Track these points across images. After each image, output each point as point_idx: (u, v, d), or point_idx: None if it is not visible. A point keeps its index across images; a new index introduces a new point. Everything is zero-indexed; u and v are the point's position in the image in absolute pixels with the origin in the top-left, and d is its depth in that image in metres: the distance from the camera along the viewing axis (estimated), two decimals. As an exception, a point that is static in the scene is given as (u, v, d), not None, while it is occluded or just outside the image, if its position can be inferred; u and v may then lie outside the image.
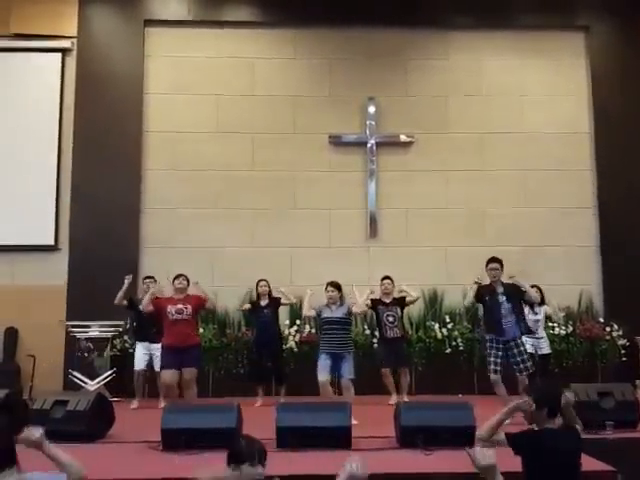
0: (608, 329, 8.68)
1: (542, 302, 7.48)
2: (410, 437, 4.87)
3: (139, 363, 7.59)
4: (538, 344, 7.27)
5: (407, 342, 8.39)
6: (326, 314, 6.62)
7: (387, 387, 7.55)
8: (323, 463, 4.37)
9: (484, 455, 2.70)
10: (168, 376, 6.37)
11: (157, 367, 7.18)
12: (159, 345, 6.83)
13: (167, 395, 6.62)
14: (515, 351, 6.23)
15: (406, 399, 7.27)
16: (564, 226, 9.21)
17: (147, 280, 7.77)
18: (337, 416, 5.01)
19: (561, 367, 8.39)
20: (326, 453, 4.64)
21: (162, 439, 4.93)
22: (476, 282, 6.50)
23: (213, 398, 7.95)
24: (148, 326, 7.38)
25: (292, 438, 4.85)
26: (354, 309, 6.75)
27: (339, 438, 4.87)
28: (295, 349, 8.36)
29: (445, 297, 8.92)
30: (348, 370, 6.48)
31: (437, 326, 8.63)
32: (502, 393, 6.23)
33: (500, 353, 6.26)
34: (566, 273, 9.02)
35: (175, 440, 4.87)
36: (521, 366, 6.18)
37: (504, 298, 6.34)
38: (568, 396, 3.59)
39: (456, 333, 8.56)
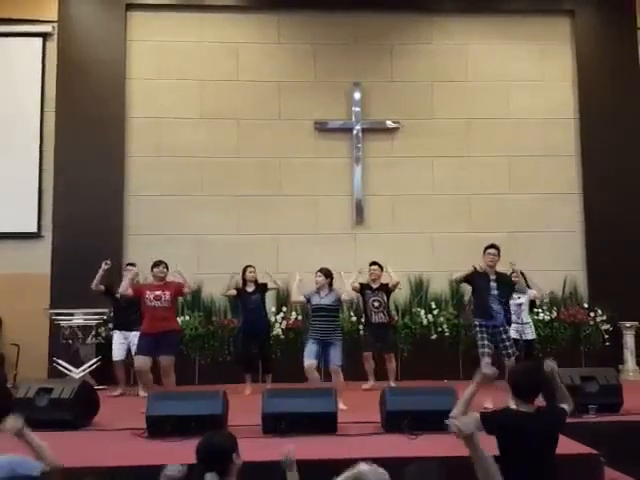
0: (592, 314, 8.75)
1: (528, 286, 7.47)
2: (395, 422, 4.89)
3: (117, 353, 7.50)
4: (522, 330, 7.28)
5: (393, 328, 8.42)
6: (315, 301, 6.62)
7: (366, 371, 7.58)
8: (309, 449, 4.39)
9: (465, 424, 2.77)
10: (141, 362, 6.33)
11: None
12: (137, 333, 6.79)
13: (142, 381, 6.49)
14: (504, 336, 6.33)
15: (393, 384, 7.28)
16: (549, 212, 9.25)
17: (129, 267, 7.62)
18: (323, 402, 5.01)
19: (545, 352, 8.45)
20: (312, 439, 4.66)
21: (147, 426, 4.91)
22: (474, 267, 6.54)
23: (199, 386, 7.94)
24: (125, 314, 7.33)
25: (278, 424, 4.85)
26: (343, 297, 6.74)
27: (325, 423, 4.89)
28: (282, 336, 8.36)
29: (431, 283, 8.94)
30: (336, 357, 6.44)
31: (423, 312, 8.65)
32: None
33: (489, 337, 6.34)
34: (551, 258, 9.07)
35: (160, 427, 4.85)
36: (509, 351, 6.30)
37: (495, 285, 6.42)
38: (550, 364, 3.49)
39: (442, 319, 8.59)
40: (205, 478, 2.59)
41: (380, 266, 7.73)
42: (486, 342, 6.34)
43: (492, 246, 6.58)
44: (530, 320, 7.55)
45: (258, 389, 6.96)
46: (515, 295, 7.25)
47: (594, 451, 4.23)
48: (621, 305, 8.50)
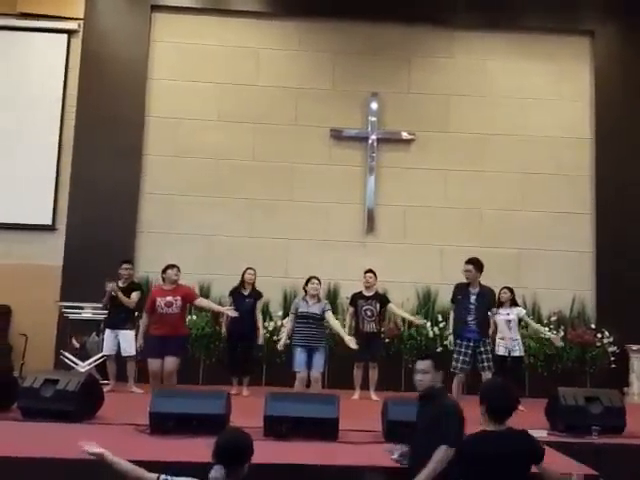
0: (599, 335, 8.71)
1: (514, 303, 7.51)
2: (396, 431, 4.89)
3: (108, 348, 7.56)
4: (512, 346, 7.23)
5: (398, 338, 8.44)
6: (303, 308, 6.85)
7: (354, 381, 7.55)
8: (309, 453, 4.41)
9: None
10: (155, 364, 6.43)
11: (124, 353, 7.42)
12: (125, 332, 7.25)
13: (154, 383, 6.56)
14: (482, 349, 6.59)
15: (374, 396, 7.31)
16: (560, 230, 9.23)
17: (124, 265, 7.72)
18: (325, 408, 5.03)
19: (550, 371, 8.43)
20: (313, 444, 4.68)
21: (150, 422, 4.94)
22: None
23: (204, 386, 7.97)
24: (115, 313, 7.51)
25: (280, 427, 4.86)
26: (327, 315, 6.94)
27: (326, 429, 4.90)
28: (287, 341, 8.35)
29: (438, 296, 8.92)
30: (319, 364, 6.73)
31: (429, 324, 8.64)
32: (456, 392, 6.51)
33: (469, 352, 6.59)
34: (560, 277, 9.05)
35: (163, 424, 4.88)
36: (485, 364, 6.56)
37: (474, 299, 6.68)
38: None
39: (447, 332, 8.56)
40: (213, 468, 2.60)
41: (375, 274, 7.70)
42: (461, 358, 6.57)
43: (468, 261, 6.80)
44: (519, 337, 7.51)
45: (254, 392, 7.07)
46: (503, 311, 7.32)
47: (594, 472, 4.21)
48: (629, 328, 8.45)
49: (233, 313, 7.04)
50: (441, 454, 3.11)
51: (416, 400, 3.60)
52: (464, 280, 6.90)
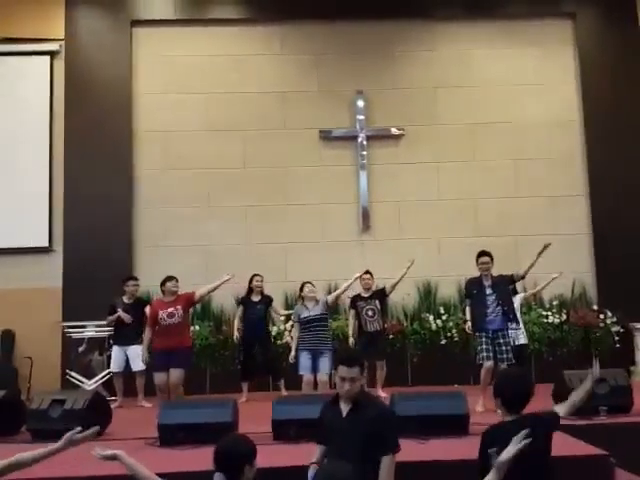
0: (602, 316, 8.73)
1: (515, 292, 7.48)
2: (404, 427, 4.89)
3: (115, 365, 7.50)
4: (516, 335, 7.25)
5: (402, 334, 8.45)
6: (305, 314, 6.87)
7: None
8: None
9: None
10: (161, 378, 6.45)
11: (134, 368, 7.37)
12: (135, 347, 7.16)
13: (162, 397, 6.58)
14: (501, 341, 6.47)
15: (381, 392, 7.26)
16: (556, 214, 9.26)
17: (131, 282, 7.66)
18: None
19: (555, 356, 8.45)
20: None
21: (159, 435, 4.93)
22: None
23: (210, 395, 7.98)
24: (124, 330, 7.47)
25: (287, 431, 4.87)
26: (329, 298, 7.09)
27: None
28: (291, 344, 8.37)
29: (439, 288, 8.96)
30: (325, 366, 6.71)
31: (432, 318, 8.66)
32: (484, 379, 6.41)
33: (490, 341, 6.49)
34: (559, 261, 8.95)
35: (172, 435, 4.87)
36: (504, 356, 6.43)
37: (490, 290, 6.59)
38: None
39: (451, 324, 8.59)
40: (214, 477, 2.65)
41: (371, 274, 7.64)
42: (484, 347, 6.48)
43: (483, 254, 6.72)
44: (522, 325, 7.53)
45: (260, 397, 7.09)
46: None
47: (604, 452, 4.22)
48: (631, 306, 8.47)
49: (229, 275, 6.86)
50: (391, 467, 3.11)
51: (332, 404, 3.48)
52: (466, 272, 6.91)
